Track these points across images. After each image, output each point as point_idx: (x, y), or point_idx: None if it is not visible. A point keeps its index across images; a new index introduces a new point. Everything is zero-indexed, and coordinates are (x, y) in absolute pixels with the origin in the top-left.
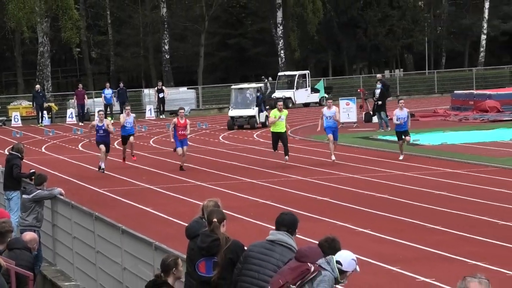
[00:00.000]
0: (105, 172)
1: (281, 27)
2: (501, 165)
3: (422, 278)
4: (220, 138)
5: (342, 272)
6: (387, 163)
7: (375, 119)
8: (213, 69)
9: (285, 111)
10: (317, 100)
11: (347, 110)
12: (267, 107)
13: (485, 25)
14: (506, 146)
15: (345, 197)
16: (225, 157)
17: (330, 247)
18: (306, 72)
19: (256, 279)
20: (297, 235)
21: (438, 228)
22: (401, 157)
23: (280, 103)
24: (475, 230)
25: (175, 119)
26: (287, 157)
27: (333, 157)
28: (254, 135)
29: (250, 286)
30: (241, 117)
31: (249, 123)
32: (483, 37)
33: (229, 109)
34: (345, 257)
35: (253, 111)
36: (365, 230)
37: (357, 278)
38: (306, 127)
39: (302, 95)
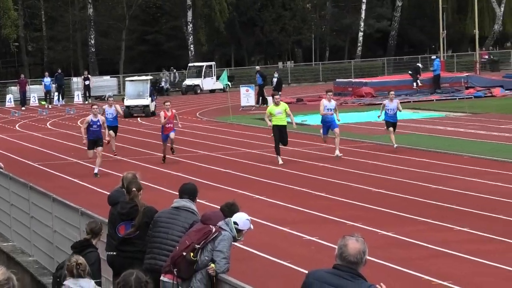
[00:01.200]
0: (97, 176)
1: (191, 25)
2: (375, 141)
3: (308, 237)
4: (139, 119)
5: (239, 231)
6: None
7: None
8: (133, 61)
9: (284, 104)
10: (222, 87)
11: (246, 96)
12: (155, 97)
13: (362, 24)
14: (378, 125)
15: (244, 169)
16: (142, 135)
17: (230, 210)
18: (212, 63)
19: (165, 239)
20: (202, 201)
21: (322, 195)
22: (395, 146)
23: (277, 96)
24: (352, 196)
25: (162, 113)
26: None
27: (338, 153)
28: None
29: (160, 246)
30: (136, 106)
31: (143, 111)
32: (360, 34)
33: (124, 99)
34: (241, 218)
35: (147, 101)
36: (261, 197)
37: (254, 237)
38: (211, 109)
39: (208, 83)
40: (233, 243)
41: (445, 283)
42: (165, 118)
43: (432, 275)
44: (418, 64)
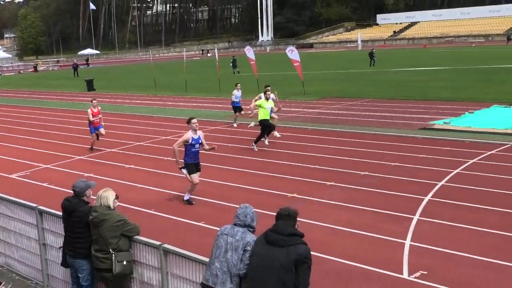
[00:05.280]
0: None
1: None
2: None
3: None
4: None
5: None
6: None
7: None
8: None
9: (271, 100)
10: None
11: None
12: None
13: None
14: None
15: None
16: None
17: None
18: None
19: None
20: None
21: None
22: (235, 124)
23: (269, 87)
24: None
25: (89, 110)
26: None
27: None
28: None
29: None
30: None
31: None
32: None
33: None
34: None
35: None
36: None
37: None
38: None
39: None
40: None
41: None
42: (92, 115)
43: None
44: None
